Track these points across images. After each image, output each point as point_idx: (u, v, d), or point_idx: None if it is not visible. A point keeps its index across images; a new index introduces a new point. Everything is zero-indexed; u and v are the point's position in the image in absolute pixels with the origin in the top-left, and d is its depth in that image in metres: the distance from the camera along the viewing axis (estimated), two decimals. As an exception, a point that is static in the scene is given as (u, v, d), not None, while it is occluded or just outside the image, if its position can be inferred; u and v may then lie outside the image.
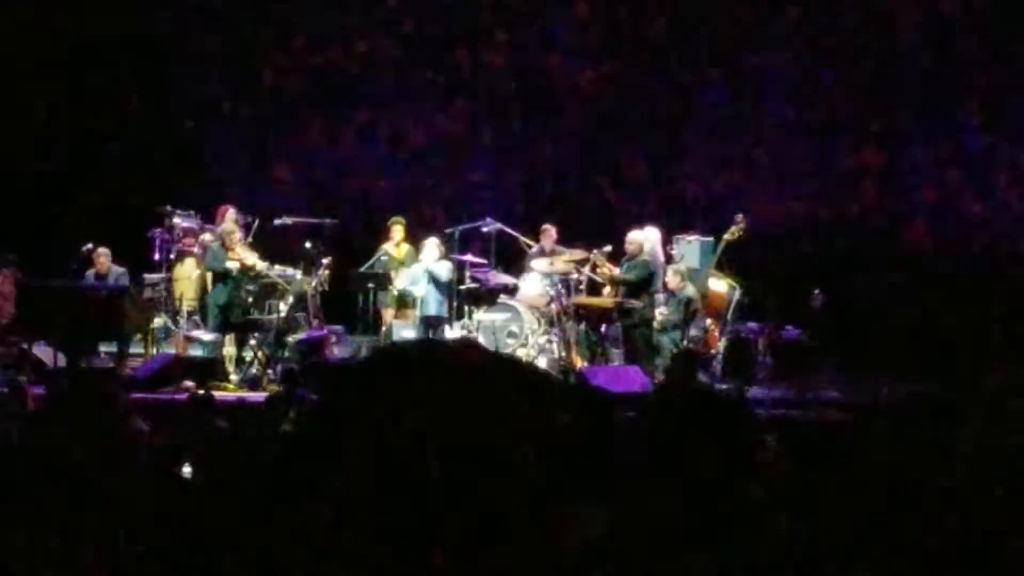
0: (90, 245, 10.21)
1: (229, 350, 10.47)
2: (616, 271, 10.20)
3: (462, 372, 2.09)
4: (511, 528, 1.74)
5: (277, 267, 10.73)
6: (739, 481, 2.13)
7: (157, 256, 11.18)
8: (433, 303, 10.74)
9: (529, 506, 1.79)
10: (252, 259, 10.39)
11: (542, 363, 9.29)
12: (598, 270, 10.49)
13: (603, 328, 10.31)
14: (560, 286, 10.48)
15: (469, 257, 11.27)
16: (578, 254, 10.48)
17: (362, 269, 11.13)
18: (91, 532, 2.30)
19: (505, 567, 1.73)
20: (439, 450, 1.80)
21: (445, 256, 10.90)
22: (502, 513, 1.80)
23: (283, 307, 10.63)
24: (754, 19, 13.41)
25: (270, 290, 10.55)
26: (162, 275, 11.13)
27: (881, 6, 13.22)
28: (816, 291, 10.55)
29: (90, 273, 10.42)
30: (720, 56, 13.84)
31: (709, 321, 10.13)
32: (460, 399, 1.97)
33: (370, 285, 10.98)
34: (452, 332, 10.73)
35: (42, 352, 9.52)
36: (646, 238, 10.13)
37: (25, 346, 9.58)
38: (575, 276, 10.58)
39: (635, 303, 9.71)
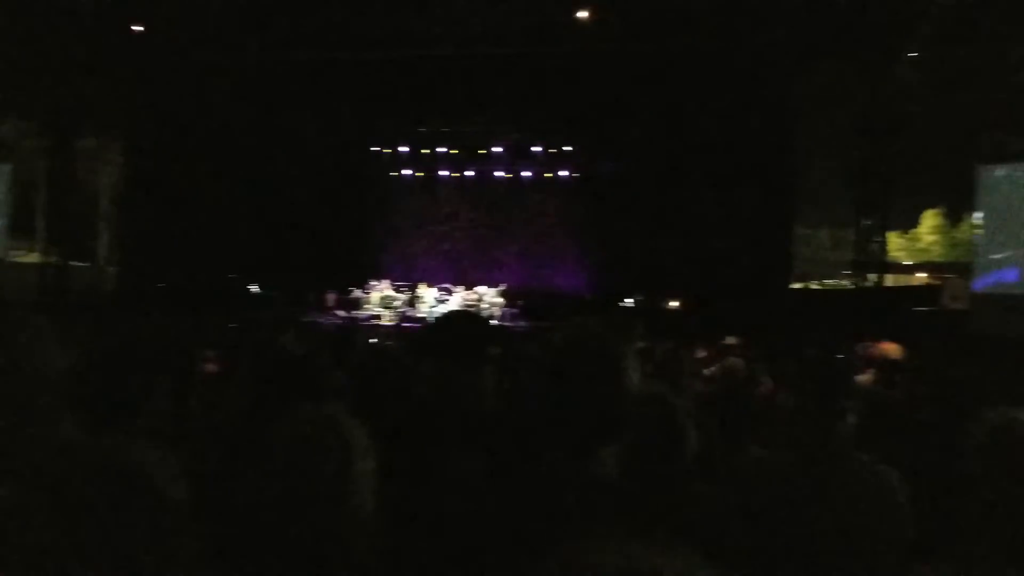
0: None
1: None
2: (473, 297, 16.11)
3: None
4: None
5: (398, 295, 16.46)
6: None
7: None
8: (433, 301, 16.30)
9: None
10: (388, 290, 16.52)
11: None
12: (472, 297, 16.27)
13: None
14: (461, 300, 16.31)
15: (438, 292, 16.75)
16: (467, 292, 16.59)
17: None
18: None
19: None
20: None
21: (436, 292, 16.66)
22: None
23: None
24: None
25: (390, 300, 16.46)
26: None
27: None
28: (521, 302, 16.32)
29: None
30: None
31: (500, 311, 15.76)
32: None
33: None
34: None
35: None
36: (483, 288, 16.47)
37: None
38: (470, 298, 16.33)
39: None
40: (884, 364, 4.17)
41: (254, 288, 17.49)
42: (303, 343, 3.89)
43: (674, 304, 16.33)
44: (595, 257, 18.21)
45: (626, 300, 16.69)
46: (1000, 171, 14.20)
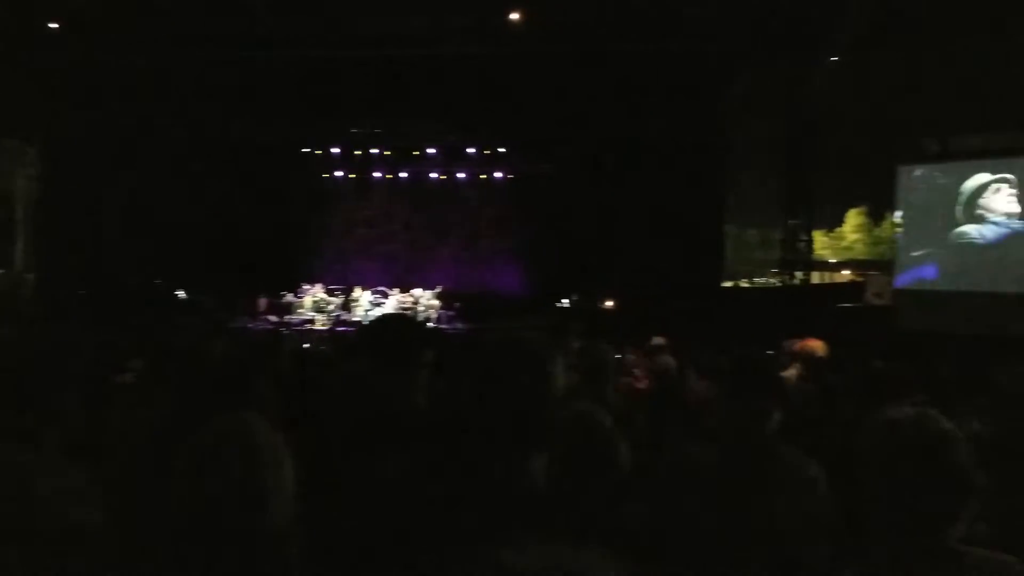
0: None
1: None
2: (409, 300, 16.35)
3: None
4: None
5: (332, 298, 16.63)
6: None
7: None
8: (368, 305, 16.65)
9: None
10: (321, 294, 16.84)
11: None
12: (408, 300, 16.42)
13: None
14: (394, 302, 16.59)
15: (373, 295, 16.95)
16: (403, 295, 16.83)
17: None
18: None
19: None
20: None
21: (371, 295, 16.79)
22: None
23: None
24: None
25: (323, 304, 16.66)
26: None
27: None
28: (458, 304, 16.47)
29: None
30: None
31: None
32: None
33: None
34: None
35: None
36: (418, 291, 16.58)
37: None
38: (406, 301, 16.58)
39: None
40: (810, 360, 4.25)
41: (181, 294, 17.08)
42: (227, 349, 3.78)
43: (610, 304, 16.72)
44: (532, 258, 18.31)
45: (563, 300, 16.94)
46: (918, 171, 14.90)
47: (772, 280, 18.28)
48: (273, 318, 16.17)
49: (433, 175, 19.27)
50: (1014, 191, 13.50)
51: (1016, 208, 13.53)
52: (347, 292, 17.29)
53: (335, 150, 18.85)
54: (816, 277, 18.01)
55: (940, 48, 13.67)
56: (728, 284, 18.79)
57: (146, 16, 13.86)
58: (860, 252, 30.10)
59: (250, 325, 14.68)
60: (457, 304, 16.90)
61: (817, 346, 4.47)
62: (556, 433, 1.33)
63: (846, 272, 23.89)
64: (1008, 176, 13.57)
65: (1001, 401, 3.59)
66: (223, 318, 15.21)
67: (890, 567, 1.39)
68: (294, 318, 16.33)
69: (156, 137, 16.93)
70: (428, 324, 15.07)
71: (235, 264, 17.28)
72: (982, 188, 13.85)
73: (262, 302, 16.86)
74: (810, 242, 16.42)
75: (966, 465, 1.41)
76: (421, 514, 1.24)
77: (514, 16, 13.54)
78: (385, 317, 2.22)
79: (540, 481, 1.28)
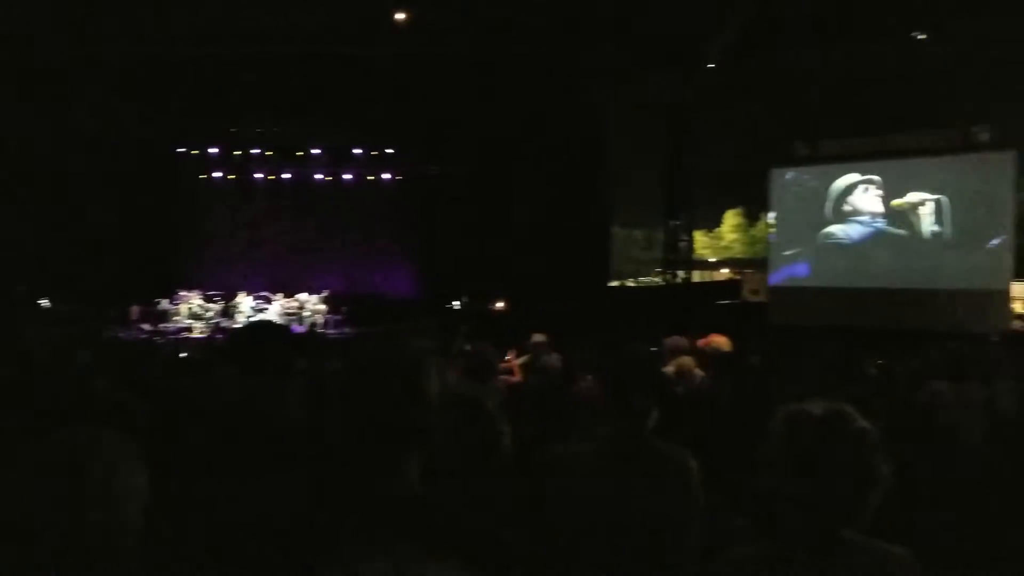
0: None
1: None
2: (294, 305, 16.16)
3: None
4: None
5: (211, 305, 16.30)
6: None
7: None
8: (250, 311, 16.05)
9: None
10: (198, 300, 16.49)
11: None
12: (292, 305, 16.09)
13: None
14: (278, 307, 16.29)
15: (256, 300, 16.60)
16: (287, 300, 16.40)
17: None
18: None
19: None
20: None
21: (254, 300, 16.49)
22: None
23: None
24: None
25: (201, 311, 16.83)
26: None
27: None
28: (346, 308, 16.16)
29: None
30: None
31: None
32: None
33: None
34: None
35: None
36: (304, 295, 16.30)
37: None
38: (290, 306, 16.28)
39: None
40: (716, 356, 4.41)
41: (44, 302, 16.03)
42: (91, 360, 3.58)
43: (500, 305, 16.76)
44: (421, 260, 18.27)
45: (453, 303, 17.04)
46: (789, 174, 15.76)
47: (656, 279, 18.80)
48: (147, 327, 15.51)
49: (318, 176, 18.88)
50: (880, 192, 14.49)
51: (880, 208, 14.49)
52: (228, 298, 16.82)
53: (213, 150, 18.24)
54: (697, 276, 18.71)
55: (810, 56, 14.49)
56: (615, 283, 19.21)
57: (9, 7, 12.91)
58: (738, 251, 31.42)
59: (122, 335, 14.09)
60: (345, 308, 16.61)
61: (722, 342, 4.62)
62: (432, 439, 1.30)
63: (725, 271, 24.94)
64: (875, 177, 14.53)
65: (871, 389, 3.83)
66: (92, 327, 14.37)
67: (792, 556, 1.41)
68: (170, 326, 15.75)
69: (18, 133, 15.68)
70: (315, 329, 14.78)
71: (105, 270, 16.39)
72: (851, 187, 14.80)
73: (135, 310, 16.16)
74: (691, 242, 17.10)
75: (876, 459, 1.45)
76: (283, 524, 1.19)
77: (400, 16, 13.41)
78: (252, 325, 2.16)
79: (415, 487, 1.26)
